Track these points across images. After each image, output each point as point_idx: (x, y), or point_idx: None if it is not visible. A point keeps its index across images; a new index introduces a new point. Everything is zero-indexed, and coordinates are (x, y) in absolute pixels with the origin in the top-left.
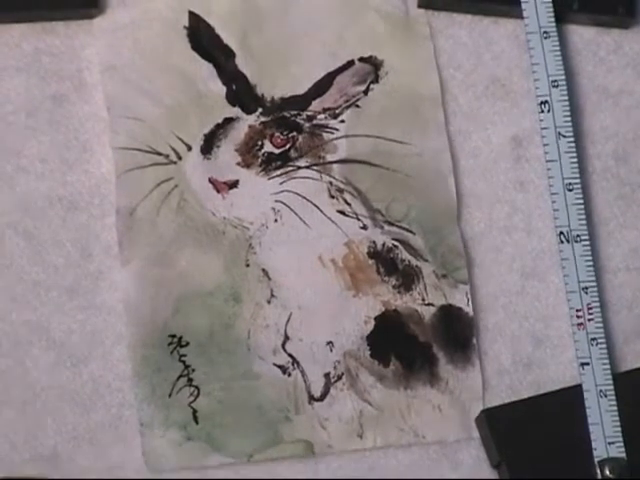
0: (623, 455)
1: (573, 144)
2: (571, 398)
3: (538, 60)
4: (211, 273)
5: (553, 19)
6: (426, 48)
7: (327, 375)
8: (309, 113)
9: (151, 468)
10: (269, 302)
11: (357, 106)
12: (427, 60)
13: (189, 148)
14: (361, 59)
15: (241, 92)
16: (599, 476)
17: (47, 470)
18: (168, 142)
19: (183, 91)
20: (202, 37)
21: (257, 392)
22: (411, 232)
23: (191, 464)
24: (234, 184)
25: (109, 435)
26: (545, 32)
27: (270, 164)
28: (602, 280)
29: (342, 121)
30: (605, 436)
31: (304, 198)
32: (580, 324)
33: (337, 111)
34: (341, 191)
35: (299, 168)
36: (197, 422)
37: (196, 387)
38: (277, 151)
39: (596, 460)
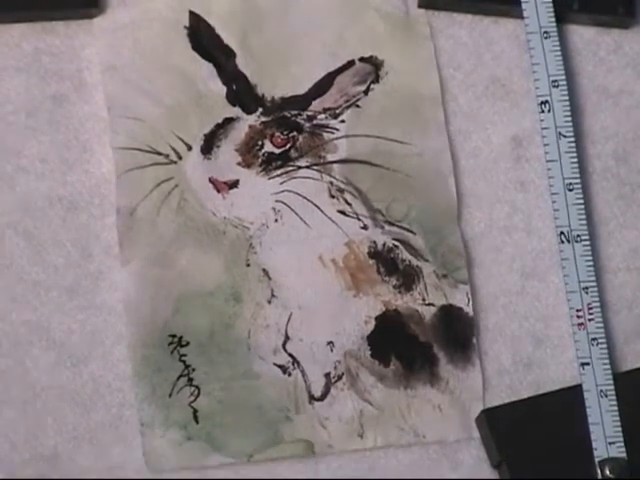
0: (623, 455)
1: (573, 144)
2: (571, 398)
3: (538, 60)
4: (211, 273)
5: (553, 19)
6: (426, 48)
7: (327, 375)
8: (309, 113)
9: (151, 468)
10: (269, 302)
11: (357, 106)
12: (427, 60)
13: (189, 148)
14: (361, 59)
15: (241, 92)
16: (599, 476)
17: (47, 470)
18: (168, 142)
19: (183, 91)
20: (202, 37)
21: (257, 392)
22: (411, 232)
23: (191, 464)
24: (234, 184)
25: (109, 435)
26: (545, 32)
27: (270, 164)
28: (602, 280)
29: (342, 121)
30: (605, 436)
31: (304, 198)
32: (580, 324)
33: (337, 111)
34: (341, 191)
35: (299, 168)
36: (197, 422)
37: (196, 387)
38: (277, 151)
39: (596, 460)
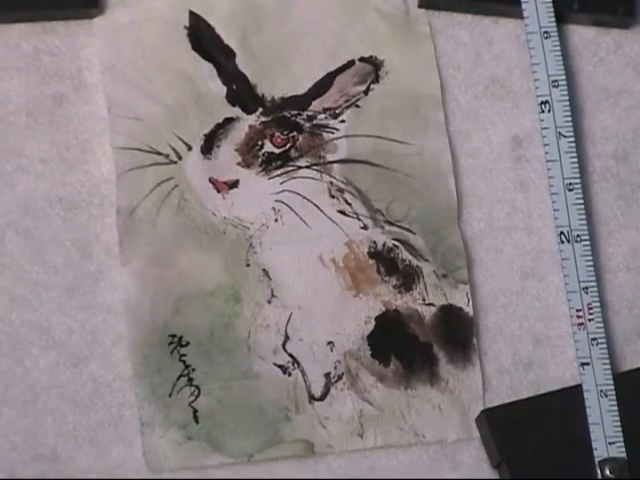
0: (623, 455)
1: (573, 144)
2: (571, 398)
3: (538, 60)
4: (211, 273)
5: (553, 19)
6: (426, 48)
7: (327, 375)
8: (309, 113)
9: (151, 468)
10: (269, 302)
11: (357, 106)
12: (427, 60)
13: (189, 148)
14: (361, 59)
15: (241, 92)
16: (599, 476)
17: (47, 470)
18: (168, 142)
19: (183, 91)
20: (202, 37)
21: (257, 392)
22: (411, 232)
23: (191, 464)
24: (234, 184)
25: (109, 435)
26: (545, 32)
27: (270, 164)
28: (602, 280)
29: (342, 121)
30: (605, 436)
31: (304, 198)
32: (580, 324)
33: (337, 111)
34: (341, 191)
35: (299, 168)
36: (197, 422)
37: (196, 387)
38: (277, 151)
39: (596, 460)
